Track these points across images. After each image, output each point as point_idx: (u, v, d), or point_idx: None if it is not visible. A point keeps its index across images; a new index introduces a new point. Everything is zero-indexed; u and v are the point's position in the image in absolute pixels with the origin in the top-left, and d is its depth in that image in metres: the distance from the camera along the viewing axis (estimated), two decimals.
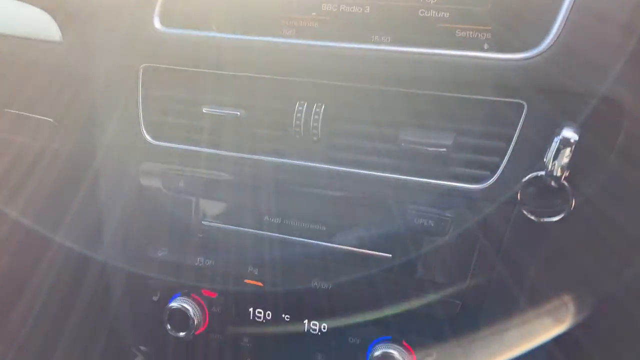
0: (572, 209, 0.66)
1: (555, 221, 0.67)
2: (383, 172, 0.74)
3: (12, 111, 1.07)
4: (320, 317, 0.81)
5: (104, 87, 0.89)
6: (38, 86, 1.02)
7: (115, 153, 0.89)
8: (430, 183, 0.73)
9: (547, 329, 0.73)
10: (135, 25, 0.83)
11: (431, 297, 0.75)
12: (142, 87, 0.84)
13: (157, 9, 0.81)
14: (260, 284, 0.83)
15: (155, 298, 0.88)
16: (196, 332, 0.86)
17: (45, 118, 1.04)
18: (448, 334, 0.76)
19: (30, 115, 1.05)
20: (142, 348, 0.94)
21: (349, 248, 0.77)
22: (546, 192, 0.66)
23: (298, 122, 0.76)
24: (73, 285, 0.98)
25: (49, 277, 1.00)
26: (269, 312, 0.84)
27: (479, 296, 0.74)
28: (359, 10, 0.77)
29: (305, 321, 0.82)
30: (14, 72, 1.02)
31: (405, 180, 0.74)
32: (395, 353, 0.76)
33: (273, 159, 0.79)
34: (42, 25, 0.93)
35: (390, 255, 0.76)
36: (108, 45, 0.86)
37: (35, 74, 0.99)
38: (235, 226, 0.82)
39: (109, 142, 0.90)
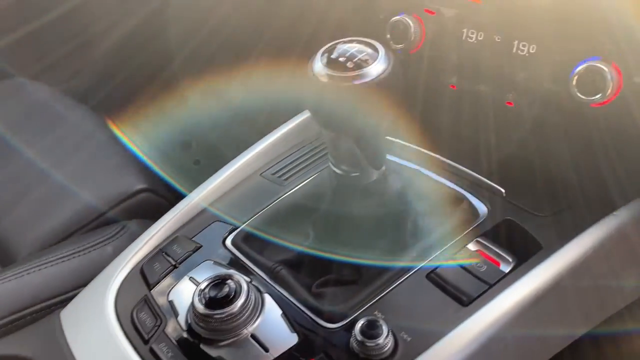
0: None
1: None
2: None
3: None
4: (530, 38, 0.85)
5: None
6: None
7: None
8: None
9: None
10: None
11: None
12: None
13: None
14: (479, 0, 0.89)
15: (381, 16, 0.99)
16: (411, 50, 0.97)
17: None
18: None
19: None
20: None
21: None
22: None
23: None
24: None
25: None
26: (481, 32, 0.90)
27: None
28: None
29: (516, 42, 0.86)
30: None
31: None
32: (605, 70, 0.77)
33: None
34: None
35: None
36: None
37: None
38: None
39: None
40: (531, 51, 0.86)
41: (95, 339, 0.76)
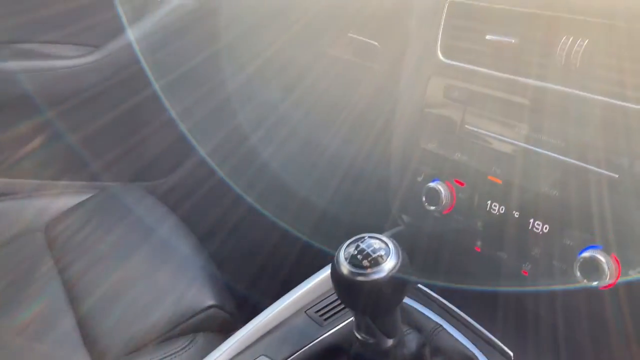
0: None
1: None
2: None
3: (352, 35, 1.46)
4: (544, 219, 0.97)
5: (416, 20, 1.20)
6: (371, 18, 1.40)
7: (412, 69, 1.19)
8: None
9: None
10: None
11: None
12: (444, 19, 1.10)
13: None
14: (499, 181, 1.02)
15: (419, 179, 1.15)
16: (444, 212, 1.11)
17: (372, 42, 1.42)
18: None
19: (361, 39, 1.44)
20: (403, 217, 1.23)
21: (581, 164, 0.91)
22: None
23: (561, 52, 0.92)
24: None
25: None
26: (502, 206, 1.03)
27: None
28: None
29: (531, 220, 0.99)
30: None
31: None
32: (603, 260, 0.88)
33: (534, 81, 0.97)
34: None
35: (617, 176, 0.87)
36: None
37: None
38: (491, 132, 1.03)
39: (410, 61, 1.20)
40: (544, 230, 0.98)
41: None
